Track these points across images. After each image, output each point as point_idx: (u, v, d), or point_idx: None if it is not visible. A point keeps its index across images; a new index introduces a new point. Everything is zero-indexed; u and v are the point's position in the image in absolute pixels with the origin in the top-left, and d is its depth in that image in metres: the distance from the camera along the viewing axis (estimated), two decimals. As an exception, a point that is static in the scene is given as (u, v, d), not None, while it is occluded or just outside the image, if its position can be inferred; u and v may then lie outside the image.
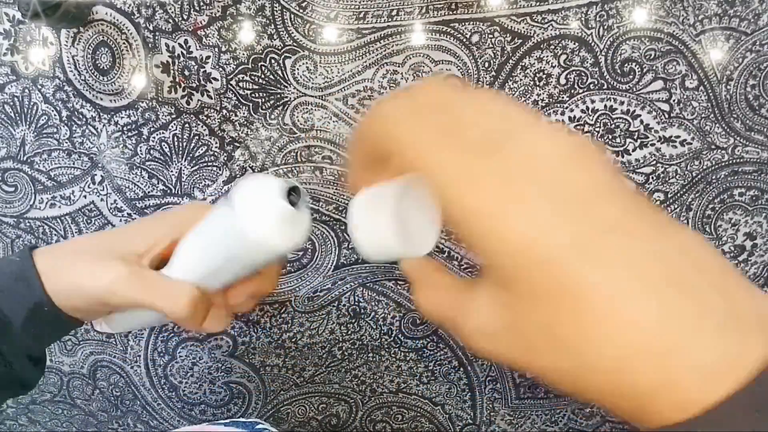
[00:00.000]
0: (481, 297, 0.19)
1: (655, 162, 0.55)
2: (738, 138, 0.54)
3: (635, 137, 0.54)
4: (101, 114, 0.57)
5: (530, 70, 0.53)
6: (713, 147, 0.55)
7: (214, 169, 0.58)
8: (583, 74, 0.53)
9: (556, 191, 0.16)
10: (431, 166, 0.18)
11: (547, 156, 0.17)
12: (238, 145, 0.57)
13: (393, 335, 0.63)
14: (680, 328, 0.15)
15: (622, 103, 0.53)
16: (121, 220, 0.60)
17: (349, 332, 0.63)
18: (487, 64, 0.53)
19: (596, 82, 0.53)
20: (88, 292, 0.32)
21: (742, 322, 0.15)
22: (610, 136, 0.55)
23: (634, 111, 0.54)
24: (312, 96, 0.55)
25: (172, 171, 0.58)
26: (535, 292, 0.16)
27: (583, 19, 0.51)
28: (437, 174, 0.18)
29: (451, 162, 0.18)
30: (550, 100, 0.54)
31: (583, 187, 0.17)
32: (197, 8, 0.53)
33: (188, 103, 0.56)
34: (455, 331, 0.21)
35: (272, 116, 0.56)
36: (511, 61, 0.53)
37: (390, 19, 0.52)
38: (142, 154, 0.58)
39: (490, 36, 0.52)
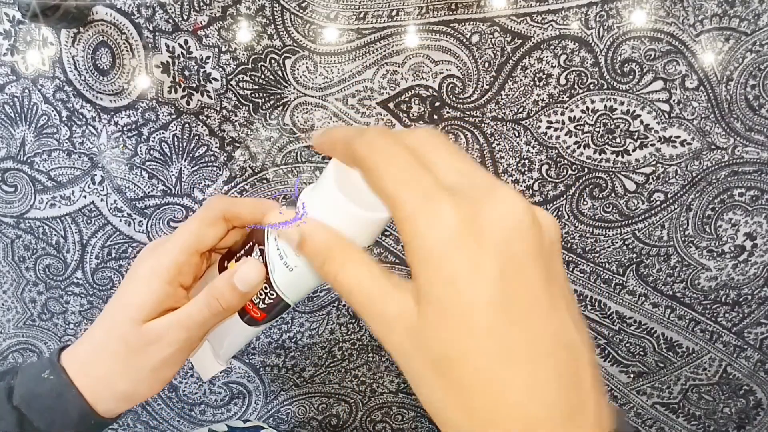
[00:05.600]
0: (402, 298, 0.20)
1: (655, 162, 0.55)
2: (738, 138, 0.54)
3: (635, 137, 0.54)
4: (101, 114, 0.57)
5: (530, 70, 0.53)
6: (713, 147, 0.55)
7: (214, 169, 0.58)
8: (583, 74, 0.53)
9: (495, 261, 0.19)
10: (393, 195, 0.20)
11: (502, 222, 0.19)
12: (238, 145, 0.57)
13: (393, 335, 0.63)
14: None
15: (622, 103, 0.53)
16: (120, 221, 0.60)
17: (349, 332, 0.63)
18: (487, 64, 0.53)
19: (596, 82, 0.53)
20: (140, 394, 0.32)
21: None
22: (610, 136, 0.55)
23: (634, 111, 0.54)
24: (312, 96, 0.55)
25: (172, 171, 0.58)
26: (440, 337, 0.19)
27: (583, 19, 0.51)
28: (396, 203, 0.20)
29: (411, 200, 0.20)
30: (550, 100, 0.54)
31: (518, 270, 0.19)
32: (197, 8, 0.53)
33: (188, 103, 0.56)
34: (366, 314, 0.21)
35: (272, 116, 0.56)
36: (511, 61, 0.53)
37: (390, 20, 0.52)
38: (142, 154, 0.58)
39: (490, 36, 0.52)
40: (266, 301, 0.32)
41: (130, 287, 0.32)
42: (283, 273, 0.30)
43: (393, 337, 0.20)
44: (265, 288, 0.32)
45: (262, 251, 0.31)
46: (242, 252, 0.33)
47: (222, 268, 0.34)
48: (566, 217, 0.57)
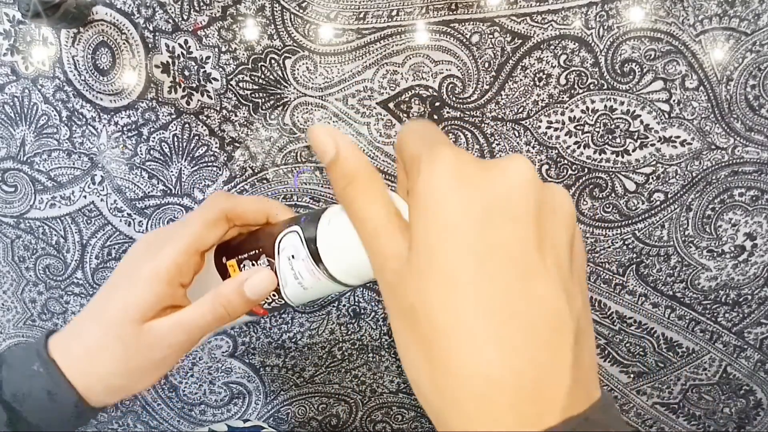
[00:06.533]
0: (401, 240, 0.20)
1: (655, 162, 0.55)
2: (738, 138, 0.54)
3: (635, 137, 0.54)
4: (101, 114, 0.57)
5: (530, 70, 0.53)
6: (713, 147, 0.55)
7: (214, 169, 0.58)
8: (583, 74, 0.53)
9: (490, 242, 0.18)
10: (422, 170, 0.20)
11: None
12: (238, 145, 0.57)
13: (393, 335, 0.63)
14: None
15: (622, 103, 0.53)
16: (120, 221, 0.60)
17: (349, 332, 0.63)
18: (487, 64, 0.53)
19: (596, 83, 0.53)
20: (134, 389, 0.32)
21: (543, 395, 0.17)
22: (610, 136, 0.55)
23: (634, 111, 0.54)
24: (312, 96, 0.55)
25: (172, 171, 0.58)
26: (415, 284, 0.18)
27: (583, 19, 0.51)
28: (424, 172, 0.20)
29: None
30: (550, 100, 0.54)
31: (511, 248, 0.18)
32: (197, 8, 0.53)
33: (188, 103, 0.56)
34: (367, 246, 0.21)
35: (272, 116, 0.56)
36: (511, 61, 0.53)
37: (390, 20, 0.52)
38: (142, 154, 0.58)
39: (490, 36, 0.52)
40: (271, 304, 0.33)
41: (128, 287, 0.32)
42: (296, 288, 0.30)
43: (383, 275, 0.20)
44: (273, 295, 0.32)
45: (270, 263, 0.31)
46: (246, 256, 0.33)
47: (219, 264, 0.34)
48: (566, 217, 0.57)
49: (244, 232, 0.36)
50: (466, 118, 0.55)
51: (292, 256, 0.29)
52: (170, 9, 0.53)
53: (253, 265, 0.32)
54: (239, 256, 0.33)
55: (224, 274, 0.34)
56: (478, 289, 0.17)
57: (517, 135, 0.55)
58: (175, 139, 0.57)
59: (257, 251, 0.32)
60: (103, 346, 0.31)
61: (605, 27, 0.52)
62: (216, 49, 0.54)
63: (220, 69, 0.54)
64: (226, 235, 0.35)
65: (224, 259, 0.34)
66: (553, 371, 0.17)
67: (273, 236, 0.31)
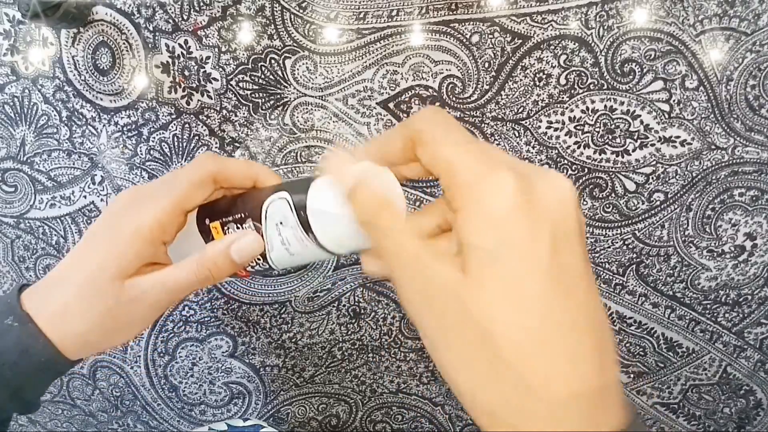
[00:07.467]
0: (450, 265, 0.20)
1: (655, 162, 0.55)
2: (738, 138, 0.54)
3: (635, 137, 0.54)
4: (101, 114, 0.57)
5: (530, 70, 0.53)
6: (713, 147, 0.55)
7: (214, 169, 0.58)
8: (583, 74, 0.53)
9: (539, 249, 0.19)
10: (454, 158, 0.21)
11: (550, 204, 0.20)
12: (238, 145, 0.57)
13: (393, 335, 0.63)
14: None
15: (622, 103, 0.53)
16: (121, 220, 0.60)
17: (349, 332, 0.63)
18: (487, 64, 0.53)
19: (596, 83, 0.53)
20: (111, 345, 0.32)
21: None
22: (610, 136, 0.55)
23: (634, 111, 0.54)
24: (312, 96, 0.55)
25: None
26: (489, 303, 0.19)
27: (583, 19, 0.51)
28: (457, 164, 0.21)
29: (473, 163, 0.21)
30: (550, 100, 0.54)
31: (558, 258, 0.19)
32: (197, 8, 0.53)
33: (188, 103, 0.56)
34: (409, 278, 0.21)
35: (272, 116, 0.56)
36: (511, 61, 0.53)
37: (390, 20, 0.52)
38: (142, 154, 0.58)
39: (490, 36, 0.52)
40: (255, 267, 0.33)
41: (109, 244, 0.31)
42: (282, 253, 0.30)
43: (435, 304, 0.20)
44: (258, 258, 0.32)
45: (257, 227, 0.31)
46: (231, 219, 0.32)
47: (201, 225, 0.34)
48: (566, 217, 0.58)
49: (228, 194, 0.35)
50: (466, 118, 0.55)
51: (281, 223, 0.29)
52: (170, 9, 0.53)
53: (238, 228, 0.32)
54: (224, 219, 0.32)
55: (207, 235, 0.33)
56: (553, 306, 0.19)
57: (517, 135, 0.55)
58: (175, 139, 0.57)
59: (243, 215, 0.32)
60: (81, 302, 0.31)
61: (605, 27, 0.52)
62: (216, 49, 0.54)
63: (220, 69, 0.54)
64: (210, 196, 0.34)
65: (207, 221, 0.33)
66: (616, 385, 0.19)
67: (260, 201, 0.30)
